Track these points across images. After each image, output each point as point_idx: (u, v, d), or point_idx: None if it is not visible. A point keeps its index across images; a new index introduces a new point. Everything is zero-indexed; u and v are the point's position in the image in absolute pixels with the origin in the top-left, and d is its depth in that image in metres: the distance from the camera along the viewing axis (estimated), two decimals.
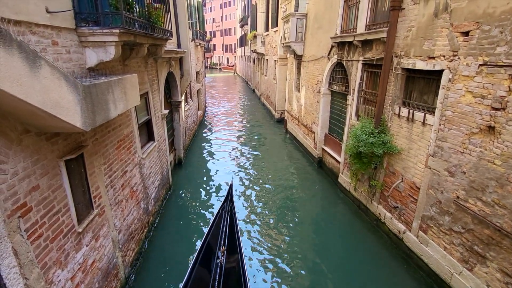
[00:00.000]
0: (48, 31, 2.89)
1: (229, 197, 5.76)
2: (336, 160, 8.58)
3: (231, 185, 6.12)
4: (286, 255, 5.82)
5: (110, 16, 3.47)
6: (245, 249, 5.58)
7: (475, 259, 4.14)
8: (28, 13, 2.59)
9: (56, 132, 2.96)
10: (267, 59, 19.84)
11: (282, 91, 15.58)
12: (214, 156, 11.42)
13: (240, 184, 8.88)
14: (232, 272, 4.24)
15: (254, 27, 24.42)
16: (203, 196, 8.15)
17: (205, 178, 9.33)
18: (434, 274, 4.88)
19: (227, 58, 61.53)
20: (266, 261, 5.63)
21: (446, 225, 4.62)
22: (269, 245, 6.11)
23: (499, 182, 3.74)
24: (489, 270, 3.95)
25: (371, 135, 5.92)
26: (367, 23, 6.51)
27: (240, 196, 8.11)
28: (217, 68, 61.42)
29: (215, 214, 5.42)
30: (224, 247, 4.28)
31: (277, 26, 15.76)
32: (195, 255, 4.53)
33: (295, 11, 11.44)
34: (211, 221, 5.14)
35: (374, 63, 6.35)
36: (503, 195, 3.69)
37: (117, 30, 3.43)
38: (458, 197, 4.36)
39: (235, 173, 9.58)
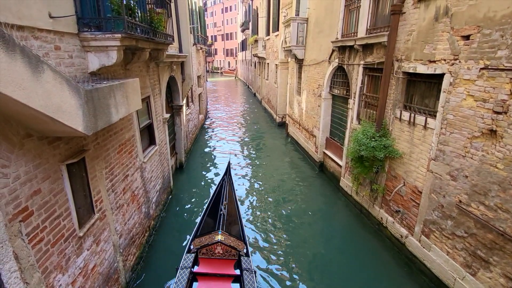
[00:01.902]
0: (50, 36, 2.91)
1: (228, 172, 6.77)
2: (338, 164, 8.56)
3: (229, 163, 7.22)
4: (286, 258, 5.79)
5: (112, 21, 3.50)
6: (245, 226, 6.47)
7: (478, 264, 4.11)
8: (31, 18, 2.61)
9: (58, 136, 2.97)
10: (268, 63, 19.91)
11: (283, 95, 15.62)
12: (215, 160, 11.42)
13: (240, 187, 8.86)
14: (232, 220, 5.58)
15: (255, 31, 24.56)
16: (204, 200, 8.13)
17: (206, 182, 9.32)
18: (437, 279, 4.84)
19: (228, 62, 61.79)
20: (266, 267, 5.60)
21: (448, 229, 4.59)
22: (268, 249, 6.08)
23: (501, 186, 3.72)
24: (492, 275, 3.91)
25: (373, 139, 5.91)
26: (368, 27, 6.54)
27: (240, 199, 8.09)
28: (218, 72, 61.67)
29: (216, 186, 6.60)
30: (226, 201, 5.55)
31: (278, 30, 15.84)
32: (204, 209, 5.86)
33: (296, 15, 11.50)
34: (213, 191, 6.37)
35: (375, 67, 6.36)
36: (506, 199, 3.67)
37: (119, 35, 3.46)
38: (460, 201, 4.34)
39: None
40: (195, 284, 4.53)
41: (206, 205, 5.93)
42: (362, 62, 6.85)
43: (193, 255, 4.80)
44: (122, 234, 4.71)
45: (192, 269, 4.56)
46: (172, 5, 7.68)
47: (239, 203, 6.17)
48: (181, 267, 4.55)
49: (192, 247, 4.90)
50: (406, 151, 5.49)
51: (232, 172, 7.39)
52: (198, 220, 5.63)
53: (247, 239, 5.40)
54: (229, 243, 4.76)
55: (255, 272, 4.72)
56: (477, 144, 4.02)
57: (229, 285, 4.42)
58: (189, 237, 5.78)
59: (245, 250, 4.94)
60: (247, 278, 4.41)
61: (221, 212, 5.19)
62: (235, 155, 11.91)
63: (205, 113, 18.67)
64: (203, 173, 10.10)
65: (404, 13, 5.33)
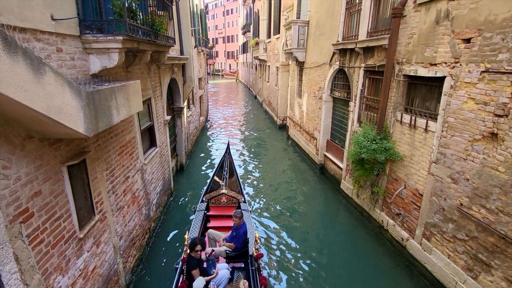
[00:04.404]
0: (52, 38, 2.93)
1: (228, 150, 7.98)
2: (338, 167, 8.55)
3: (228, 142, 8.59)
4: (286, 261, 5.78)
5: (114, 23, 3.51)
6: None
7: (480, 267, 4.09)
8: (33, 21, 2.62)
9: (59, 137, 2.98)
10: (269, 66, 19.95)
11: (284, 98, 15.63)
12: (215, 161, 11.40)
13: None
14: (232, 181, 7.04)
15: (256, 34, 24.64)
16: None
17: (206, 184, 9.28)
18: (438, 282, 4.81)
19: (230, 65, 61.93)
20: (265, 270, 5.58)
21: (449, 232, 4.57)
22: (268, 252, 6.06)
23: (502, 189, 3.70)
24: (494, 279, 3.89)
25: (373, 142, 5.91)
26: (369, 30, 6.55)
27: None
28: (219, 75, 61.80)
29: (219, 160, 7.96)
30: (227, 168, 7.11)
31: (279, 33, 15.89)
32: (211, 175, 7.32)
33: (297, 18, 11.53)
34: (218, 163, 7.79)
35: (376, 69, 6.36)
36: (507, 203, 3.66)
37: (121, 37, 3.47)
38: (461, 204, 4.33)
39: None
40: (207, 224, 6.12)
41: (213, 172, 7.53)
42: (363, 65, 6.86)
43: (205, 203, 6.34)
44: (123, 236, 4.71)
45: (205, 212, 6.15)
46: (174, 7, 7.72)
47: (237, 169, 7.87)
48: (197, 210, 6.13)
49: (204, 199, 6.47)
50: (407, 153, 5.48)
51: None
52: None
53: (244, 192, 6.99)
54: (231, 194, 6.47)
55: (250, 211, 6.41)
56: (478, 147, 4.01)
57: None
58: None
59: (243, 199, 6.55)
60: (245, 215, 5.64)
61: (224, 176, 6.86)
62: (235, 158, 11.88)
63: (206, 115, 18.69)
64: (204, 175, 10.09)
65: (405, 16, 5.34)
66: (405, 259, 5.62)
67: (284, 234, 6.71)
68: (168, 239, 6.40)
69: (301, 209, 7.85)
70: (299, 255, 5.99)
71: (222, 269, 4.40)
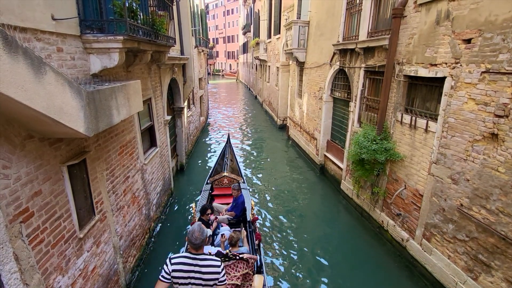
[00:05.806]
0: (53, 38, 2.93)
1: (228, 141, 8.61)
2: (339, 167, 8.55)
3: (229, 134, 9.32)
4: (285, 261, 5.77)
5: (114, 23, 3.51)
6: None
7: (480, 268, 4.08)
8: (34, 20, 2.62)
9: (59, 137, 2.98)
10: (269, 66, 19.95)
11: (284, 98, 15.63)
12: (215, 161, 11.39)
13: None
14: (233, 166, 7.97)
15: (256, 34, 24.65)
16: None
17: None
18: (438, 283, 4.81)
19: (230, 65, 61.94)
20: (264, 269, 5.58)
21: (449, 233, 4.57)
22: (267, 252, 6.06)
23: (503, 190, 3.70)
24: (494, 280, 3.89)
25: (374, 142, 5.90)
26: (369, 30, 6.55)
27: None
28: (219, 75, 61.80)
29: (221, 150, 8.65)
30: (228, 156, 8.02)
31: (279, 33, 15.89)
32: (215, 162, 8.13)
33: (297, 18, 11.54)
34: (220, 152, 8.47)
35: (376, 70, 6.36)
36: (507, 203, 3.65)
37: (121, 37, 3.47)
38: (461, 205, 4.32)
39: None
40: (212, 202, 6.82)
41: (216, 159, 8.33)
42: (363, 65, 6.86)
43: (209, 185, 7.21)
44: (123, 236, 4.71)
45: (210, 191, 7.04)
46: (174, 7, 7.71)
47: (237, 156, 8.75)
48: (203, 190, 6.97)
49: (209, 181, 7.36)
50: (407, 154, 5.48)
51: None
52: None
53: (243, 175, 7.90)
54: (232, 176, 7.38)
55: (249, 189, 7.31)
56: (478, 147, 4.01)
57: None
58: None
59: (242, 181, 7.35)
60: (244, 192, 6.54)
61: (226, 162, 7.86)
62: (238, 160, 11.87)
63: (206, 115, 18.69)
64: (204, 175, 10.06)
65: (405, 16, 5.34)
66: (405, 259, 5.62)
67: (283, 234, 6.71)
68: (168, 239, 6.40)
69: (301, 209, 7.84)
70: (298, 255, 5.98)
71: (224, 230, 5.22)
